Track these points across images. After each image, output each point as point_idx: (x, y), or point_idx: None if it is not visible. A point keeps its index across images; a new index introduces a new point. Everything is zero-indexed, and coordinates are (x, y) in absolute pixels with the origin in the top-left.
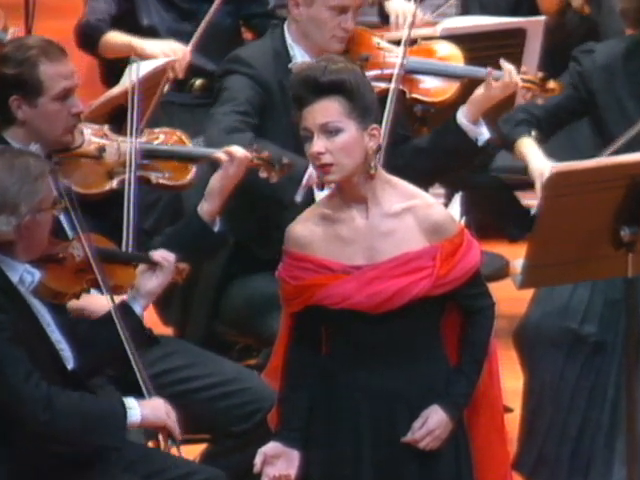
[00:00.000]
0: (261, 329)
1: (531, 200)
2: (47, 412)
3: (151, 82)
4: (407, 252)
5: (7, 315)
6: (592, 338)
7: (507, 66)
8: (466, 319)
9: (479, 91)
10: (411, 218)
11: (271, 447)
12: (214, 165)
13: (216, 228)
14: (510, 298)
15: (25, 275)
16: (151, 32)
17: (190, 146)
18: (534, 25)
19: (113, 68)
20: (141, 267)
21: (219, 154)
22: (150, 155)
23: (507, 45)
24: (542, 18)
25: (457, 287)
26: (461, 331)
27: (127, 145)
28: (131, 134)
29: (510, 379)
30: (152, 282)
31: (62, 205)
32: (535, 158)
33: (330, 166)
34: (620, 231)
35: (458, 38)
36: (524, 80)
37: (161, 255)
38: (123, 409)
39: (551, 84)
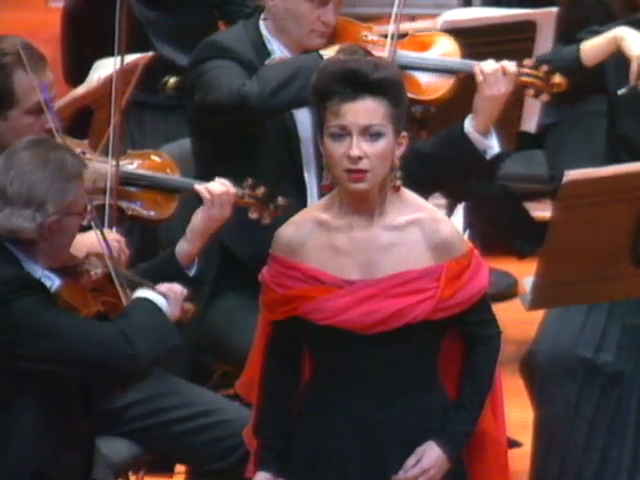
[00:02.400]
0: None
1: (542, 212)
2: (129, 345)
3: (120, 81)
4: (409, 270)
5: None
6: (609, 368)
7: (501, 62)
8: (469, 349)
9: (477, 96)
10: (417, 233)
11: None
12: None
13: (193, 272)
14: (518, 320)
15: (44, 280)
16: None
17: (176, 176)
18: (545, 17)
19: (78, 66)
20: None
21: (200, 188)
22: (129, 182)
23: (515, 40)
24: (553, 9)
25: (460, 312)
26: (462, 362)
27: (106, 168)
28: (110, 155)
29: (517, 410)
30: None
31: (91, 215)
32: (632, 34)
33: (365, 173)
34: None
35: (461, 32)
36: (524, 74)
37: (168, 287)
38: (153, 303)
39: (556, 78)
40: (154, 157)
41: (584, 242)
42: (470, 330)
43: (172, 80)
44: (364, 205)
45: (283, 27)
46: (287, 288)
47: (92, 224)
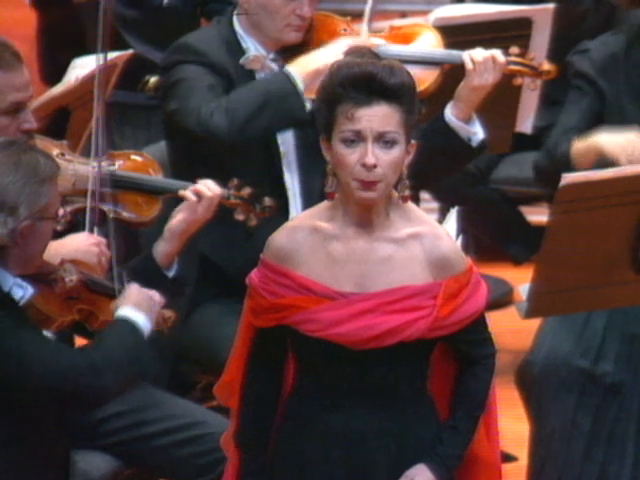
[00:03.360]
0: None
1: (538, 216)
2: (97, 378)
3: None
4: (406, 286)
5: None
6: (608, 378)
7: (489, 51)
8: (463, 368)
9: (462, 83)
10: (417, 247)
11: None
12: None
13: (172, 273)
14: (514, 329)
15: (16, 289)
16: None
17: (159, 177)
18: (541, 14)
19: (54, 64)
20: None
21: (187, 193)
22: (112, 184)
23: (510, 37)
24: (550, 6)
25: (455, 331)
26: (454, 380)
27: (87, 169)
28: (96, 156)
29: (513, 422)
30: None
31: (67, 218)
32: (607, 138)
33: (378, 182)
34: None
35: (453, 29)
36: (513, 62)
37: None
38: (134, 327)
39: (545, 65)
40: (135, 157)
41: (582, 247)
42: (465, 349)
43: (153, 79)
44: (368, 215)
45: (257, 22)
46: (277, 296)
47: (87, 226)
